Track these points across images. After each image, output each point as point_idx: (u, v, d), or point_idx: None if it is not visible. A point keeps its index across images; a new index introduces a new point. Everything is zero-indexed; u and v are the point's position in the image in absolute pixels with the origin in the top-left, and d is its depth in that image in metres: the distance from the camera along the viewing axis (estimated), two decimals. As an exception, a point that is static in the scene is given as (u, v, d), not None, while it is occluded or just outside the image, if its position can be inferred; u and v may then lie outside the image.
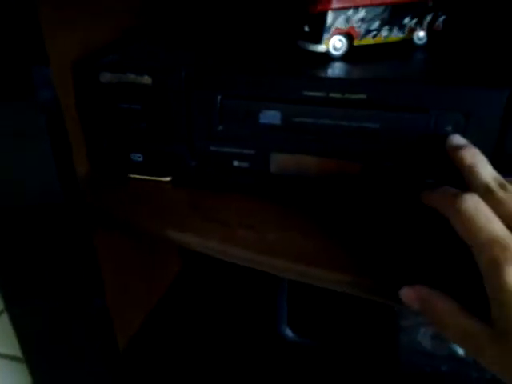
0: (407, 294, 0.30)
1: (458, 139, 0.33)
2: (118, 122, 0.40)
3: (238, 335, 0.61)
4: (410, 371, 0.49)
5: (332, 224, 0.38)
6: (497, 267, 0.25)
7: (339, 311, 0.56)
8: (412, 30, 0.40)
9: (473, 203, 0.28)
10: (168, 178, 0.43)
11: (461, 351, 0.45)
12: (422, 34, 0.40)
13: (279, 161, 0.39)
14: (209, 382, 0.56)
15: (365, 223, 0.37)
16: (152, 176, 0.43)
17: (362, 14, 0.37)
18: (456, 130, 0.33)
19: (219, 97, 0.37)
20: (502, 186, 0.29)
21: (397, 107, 0.34)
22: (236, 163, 0.40)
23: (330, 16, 0.36)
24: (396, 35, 0.39)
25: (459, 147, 0.32)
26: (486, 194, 0.29)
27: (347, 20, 0.37)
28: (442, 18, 0.40)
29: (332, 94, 0.35)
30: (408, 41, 0.40)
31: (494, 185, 0.29)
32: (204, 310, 0.65)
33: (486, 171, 0.30)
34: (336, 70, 0.37)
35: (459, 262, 0.30)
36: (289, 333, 0.58)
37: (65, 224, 0.36)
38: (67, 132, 0.35)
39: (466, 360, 0.45)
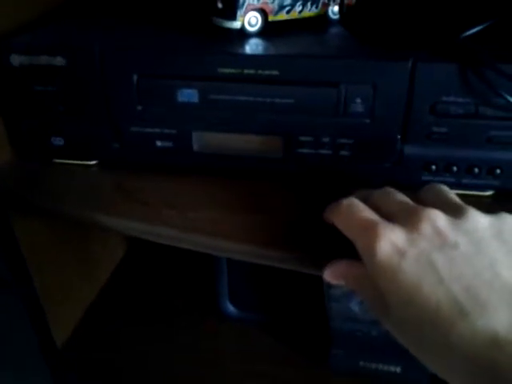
0: (328, 274, 0.31)
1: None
2: (35, 105, 0.39)
3: (182, 316, 0.62)
4: (342, 337, 0.51)
5: (256, 200, 0.38)
6: (367, 250, 0.27)
7: (278, 284, 0.57)
8: (326, 5, 0.40)
9: (347, 202, 0.30)
10: (93, 162, 0.43)
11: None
12: (336, 8, 0.41)
13: (201, 139, 0.39)
14: (155, 366, 0.57)
15: (288, 198, 0.38)
16: (76, 160, 0.43)
17: (273, -11, 0.37)
18: (365, 102, 0.34)
19: (135, 76, 0.37)
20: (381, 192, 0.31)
21: (308, 82, 0.35)
22: (159, 143, 0.40)
23: (242, -8, 0.37)
24: (310, 10, 0.40)
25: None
26: (366, 195, 0.31)
27: (259, -4, 0.37)
28: (354, -8, 0.41)
29: (246, 71, 0.35)
30: (323, 16, 0.41)
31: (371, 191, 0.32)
32: (146, 293, 0.65)
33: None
34: (251, 46, 0.37)
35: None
36: (230, 308, 0.59)
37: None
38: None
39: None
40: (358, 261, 0.29)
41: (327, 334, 0.52)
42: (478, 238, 0.26)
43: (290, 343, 0.57)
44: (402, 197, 0.30)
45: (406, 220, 0.27)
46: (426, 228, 0.26)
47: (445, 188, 0.30)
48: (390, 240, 0.26)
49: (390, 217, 0.28)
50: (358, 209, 0.29)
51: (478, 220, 0.26)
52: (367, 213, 0.29)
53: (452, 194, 0.30)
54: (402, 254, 0.25)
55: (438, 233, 0.26)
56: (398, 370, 0.51)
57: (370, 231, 0.27)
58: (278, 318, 0.59)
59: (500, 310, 0.23)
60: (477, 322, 0.23)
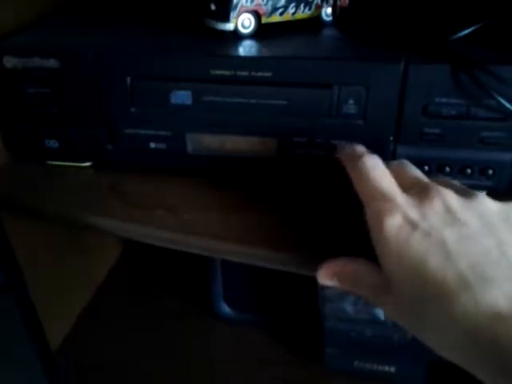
0: (322, 274, 0.31)
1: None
2: (29, 107, 0.39)
3: (177, 318, 0.62)
4: (336, 337, 0.51)
5: (252, 202, 0.38)
6: (377, 219, 0.27)
7: (272, 284, 0.57)
8: (319, 7, 0.41)
9: (371, 162, 0.30)
10: (88, 163, 0.43)
11: (381, 315, 0.48)
12: (329, 10, 0.41)
13: (195, 141, 0.39)
14: (150, 368, 0.57)
15: (282, 199, 0.38)
16: (70, 162, 0.43)
17: (266, -9, 0.37)
18: (357, 103, 0.35)
19: (129, 78, 0.37)
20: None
21: (301, 84, 0.35)
22: (153, 145, 0.40)
23: (235, -6, 0.37)
24: (304, 12, 0.40)
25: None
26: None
27: (252, -2, 0.37)
28: (347, -6, 0.41)
29: (239, 72, 0.35)
30: (317, 18, 0.41)
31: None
32: (141, 295, 0.65)
33: None
34: (244, 48, 0.37)
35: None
36: (225, 308, 0.59)
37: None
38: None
39: (387, 323, 0.48)
40: (351, 258, 0.29)
41: (322, 334, 0.52)
42: (487, 220, 0.26)
43: (285, 343, 0.57)
44: (416, 171, 0.30)
45: (419, 195, 0.27)
46: (438, 204, 0.26)
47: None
48: (402, 211, 0.26)
49: (403, 190, 0.28)
50: (380, 175, 0.29)
51: (488, 203, 0.27)
52: (387, 182, 0.28)
53: (458, 182, 0.30)
54: (413, 226, 0.26)
55: (449, 210, 0.26)
56: (393, 369, 0.52)
57: (385, 202, 0.27)
58: (273, 318, 0.59)
59: (505, 285, 0.23)
60: (480, 295, 0.23)
